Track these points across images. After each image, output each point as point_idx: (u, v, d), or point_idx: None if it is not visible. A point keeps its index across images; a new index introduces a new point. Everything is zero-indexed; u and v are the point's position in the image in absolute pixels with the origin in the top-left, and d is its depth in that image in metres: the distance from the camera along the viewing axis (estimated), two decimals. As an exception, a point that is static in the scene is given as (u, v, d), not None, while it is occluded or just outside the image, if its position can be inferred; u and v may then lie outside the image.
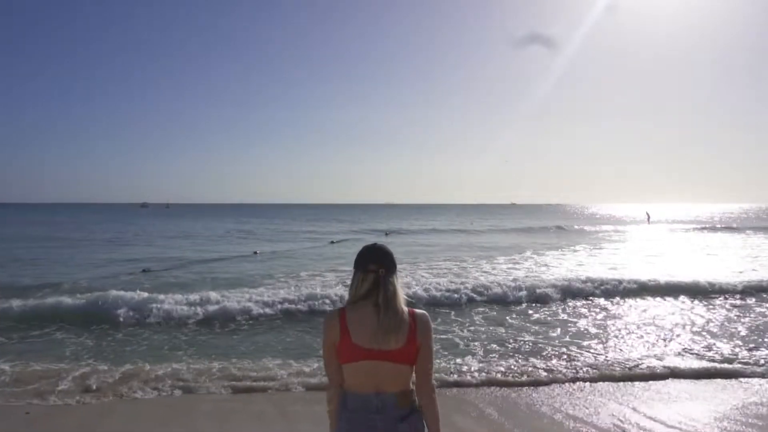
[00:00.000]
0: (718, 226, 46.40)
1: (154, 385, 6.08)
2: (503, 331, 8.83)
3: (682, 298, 11.31)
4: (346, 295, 2.18)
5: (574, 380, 6.33)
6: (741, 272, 15.40)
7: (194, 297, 10.23)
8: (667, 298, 11.27)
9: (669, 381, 6.31)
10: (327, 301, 10.30)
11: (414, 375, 2.06)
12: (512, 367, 6.78)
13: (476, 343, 8.08)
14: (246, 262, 19.66)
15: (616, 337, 8.37)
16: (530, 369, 6.69)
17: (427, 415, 2.03)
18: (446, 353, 7.46)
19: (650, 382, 6.29)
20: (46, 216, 71.99)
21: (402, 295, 2.08)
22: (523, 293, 10.94)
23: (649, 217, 61.79)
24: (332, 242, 30.11)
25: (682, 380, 6.32)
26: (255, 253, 22.61)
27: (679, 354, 7.35)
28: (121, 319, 9.15)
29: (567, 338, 8.28)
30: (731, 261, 19.48)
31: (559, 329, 8.87)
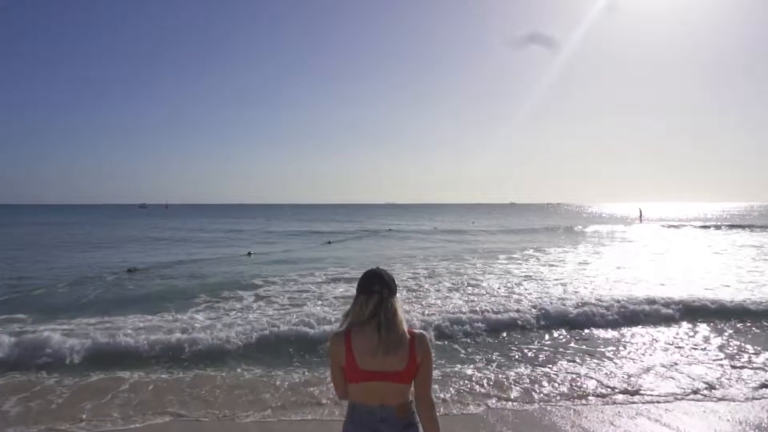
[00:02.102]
0: (713, 224, 45.38)
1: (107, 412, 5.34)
2: (514, 347, 7.90)
3: (704, 317, 9.43)
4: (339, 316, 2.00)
5: (598, 399, 5.60)
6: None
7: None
8: (690, 317, 9.41)
9: (705, 401, 5.55)
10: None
11: (414, 389, 2.20)
12: (525, 384, 6.04)
13: (484, 357, 7.34)
14: (238, 262, 18.92)
15: (642, 356, 7.31)
16: (548, 386, 5.96)
17: (427, 420, 2.19)
18: (454, 366, 6.72)
19: (683, 401, 5.52)
20: (42, 217, 71.07)
21: (402, 317, 2.20)
22: (537, 309, 9.37)
23: (641, 215, 61.27)
24: (329, 242, 29.42)
25: (722, 401, 5.54)
26: (249, 254, 21.88)
27: (718, 376, 6.34)
28: None
29: (586, 356, 7.31)
30: (731, 264, 18.75)
31: (577, 347, 7.87)
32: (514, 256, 20.14)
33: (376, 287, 2.19)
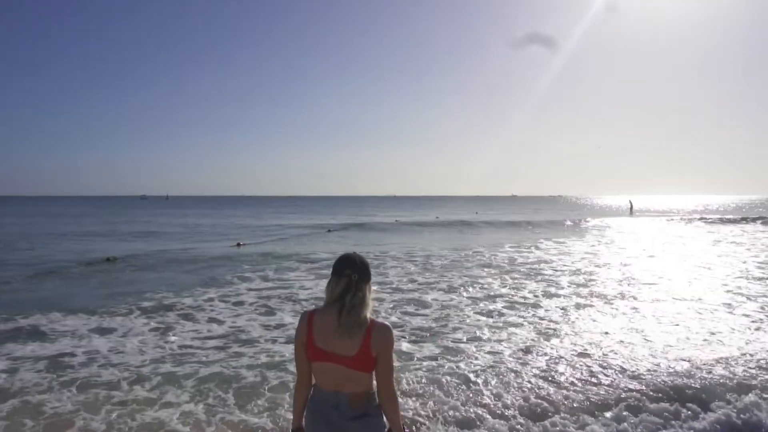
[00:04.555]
0: (705, 216, 43.76)
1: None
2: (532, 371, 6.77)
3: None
4: None
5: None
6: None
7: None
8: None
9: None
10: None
11: (375, 380, 2.16)
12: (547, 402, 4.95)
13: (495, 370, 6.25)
14: (225, 254, 17.76)
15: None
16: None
17: (388, 411, 2.17)
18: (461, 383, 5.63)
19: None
20: (43, 209, 70.21)
21: (368, 303, 2.15)
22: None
23: (632, 208, 60.90)
24: (329, 231, 29.08)
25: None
26: (238, 245, 20.86)
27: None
28: None
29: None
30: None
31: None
32: (521, 247, 19.09)
33: (346, 270, 2.16)
